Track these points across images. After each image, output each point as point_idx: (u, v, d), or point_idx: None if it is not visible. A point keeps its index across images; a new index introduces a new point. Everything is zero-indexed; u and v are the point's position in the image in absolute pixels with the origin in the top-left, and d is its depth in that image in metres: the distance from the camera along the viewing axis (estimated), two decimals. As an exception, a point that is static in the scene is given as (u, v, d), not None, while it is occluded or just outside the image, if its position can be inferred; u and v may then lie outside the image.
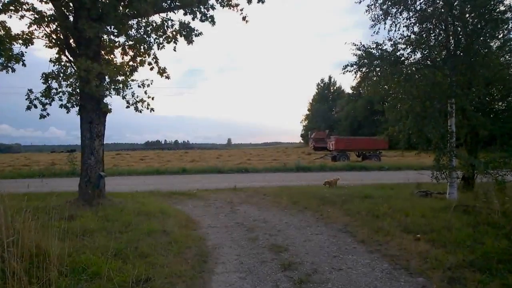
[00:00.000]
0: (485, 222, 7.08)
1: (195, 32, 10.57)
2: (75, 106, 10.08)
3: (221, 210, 10.00)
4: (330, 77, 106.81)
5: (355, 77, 10.84)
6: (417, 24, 10.42)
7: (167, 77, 11.54)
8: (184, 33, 10.52)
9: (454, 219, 7.43)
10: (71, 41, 9.78)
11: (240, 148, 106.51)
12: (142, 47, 10.59)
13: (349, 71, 10.83)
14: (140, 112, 10.69)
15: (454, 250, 5.63)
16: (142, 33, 10.41)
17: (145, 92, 10.65)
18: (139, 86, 10.67)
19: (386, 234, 6.73)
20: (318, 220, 8.44)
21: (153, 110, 10.98)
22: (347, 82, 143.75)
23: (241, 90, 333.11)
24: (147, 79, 10.68)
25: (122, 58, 10.92)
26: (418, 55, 10.50)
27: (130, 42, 10.46)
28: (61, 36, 9.92)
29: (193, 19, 10.58)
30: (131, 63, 10.93)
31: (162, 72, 11.35)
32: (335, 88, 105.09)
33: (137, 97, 10.65)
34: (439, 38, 10.34)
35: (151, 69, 11.25)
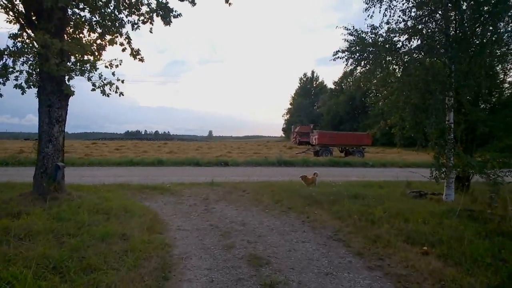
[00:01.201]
0: (498, 231, 6.17)
1: (174, 13, 9.41)
2: (33, 87, 8.81)
3: (195, 209, 8.87)
4: (313, 72, 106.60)
5: (346, 64, 9.79)
6: (414, 9, 9.48)
7: (141, 60, 10.34)
8: (161, 12, 9.35)
9: (461, 227, 6.48)
10: (32, 14, 8.51)
11: (221, 140, 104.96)
12: (111, 23, 9.34)
13: (340, 58, 9.78)
14: (108, 96, 9.49)
15: (472, 269, 4.64)
16: (112, 8, 9.16)
17: (113, 74, 9.44)
18: (106, 67, 9.40)
19: (386, 244, 5.71)
20: (304, 224, 7.37)
21: (122, 94, 9.80)
22: (330, 77, 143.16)
23: (223, 82, 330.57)
24: (115, 59, 9.43)
25: (89, 35, 9.61)
26: (415, 42, 9.54)
27: (97, 18, 9.19)
28: (21, 9, 8.63)
29: (170, -3, 9.49)
30: (99, 41, 9.64)
31: (135, 54, 10.13)
32: (317, 83, 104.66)
33: (104, 80, 9.46)
34: (439, 24, 9.38)
35: (123, 50, 10.00)
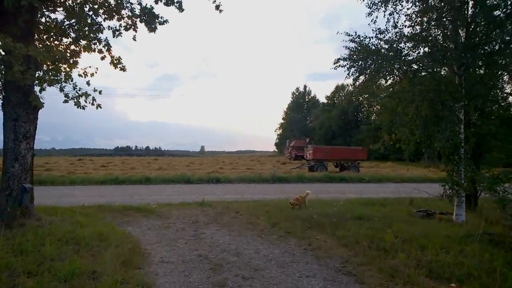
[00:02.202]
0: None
1: (160, 19, 8.66)
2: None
3: (182, 234, 7.92)
4: (305, 86, 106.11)
5: (348, 73, 8.99)
6: (421, 13, 8.77)
7: (122, 69, 9.56)
8: (145, 18, 8.58)
9: (486, 255, 5.64)
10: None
11: (213, 155, 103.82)
12: (88, 28, 8.50)
13: (342, 66, 9.00)
14: (83, 108, 8.61)
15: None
16: (87, 10, 8.33)
17: (88, 83, 8.59)
18: (79, 75, 8.56)
19: (407, 281, 4.82)
20: (307, 253, 6.45)
21: (100, 107, 8.87)
22: (322, 92, 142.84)
23: (216, 97, 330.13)
24: (89, 67, 8.59)
25: (60, 41, 8.73)
26: (421, 49, 8.80)
27: (71, 21, 8.36)
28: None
29: (156, 2, 8.78)
30: (73, 47, 8.77)
31: (116, 62, 9.35)
32: (310, 97, 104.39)
33: (79, 90, 8.59)
34: (448, 29, 8.66)
35: (102, 58, 9.20)
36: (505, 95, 9.50)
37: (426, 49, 8.68)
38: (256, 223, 8.83)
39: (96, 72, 8.79)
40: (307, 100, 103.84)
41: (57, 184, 18.47)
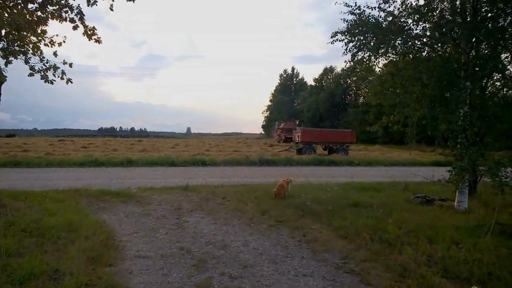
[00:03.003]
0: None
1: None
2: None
3: (163, 223, 7.19)
4: (293, 69, 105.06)
5: (346, 49, 8.24)
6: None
7: (98, 41, 8.66)
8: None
9: (504, 250, 5.06)
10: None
11: (199, 137, 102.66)
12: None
13: (340, 41, 8.23)
14: (51, 83, 7.78)
15: None
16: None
17: (55, 54, 7.70)
18: (46, 45, 7.66)
19: (420, 282, 4.18)
20: (302, 245, 5.79)
21: (71, 82, 8.03)
22: (310, 75, 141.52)
23: (202, 78, 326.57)
24: (57, 35, 7.69)
25: (25, 6, 7.76)
26: (427, 24, 8.08)
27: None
28: None
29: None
30: (39, 13, 7.82)
31: (90, 33, 8.43)
32: (298, 79, 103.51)
33: (47, 63, 7.72)
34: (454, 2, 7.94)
35: (75, 28, 8.25)
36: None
37: (427, 24, 8.00)
38: (244, 210, 8.14)
39: (64, 41, 7.90)
40: (295, 82, 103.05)
41: (33, 166, 17.45)
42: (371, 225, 6.34)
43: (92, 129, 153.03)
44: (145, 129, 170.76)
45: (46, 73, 7.72)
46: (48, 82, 7.80)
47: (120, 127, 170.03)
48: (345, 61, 8.37)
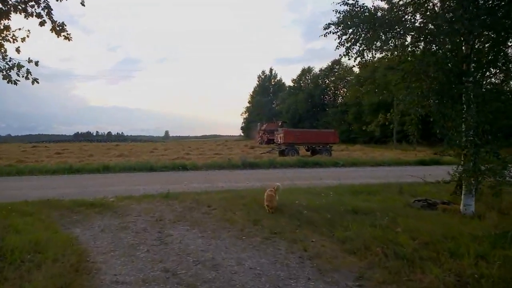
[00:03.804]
0: None
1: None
2: None
3: (143, 238, 6.34)
4: (271, 70, 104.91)
5: (340, 42, 7.60)
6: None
7: (67, 38, 7.75)
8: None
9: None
10: None
11: (178, 140, 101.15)
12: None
13: (333, 33, 7.57)
14: (15, 84, 6.91)
15: None
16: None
17: (17, 50, 6.82)
18: (7, 40, 6.78)
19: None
20: (304, 263, 5.02)
21: (37, 82, 7.15)
22: (288, 76, 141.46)
23: (179, 81, 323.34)
24: (19, 29, 6.80)
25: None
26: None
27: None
28: None
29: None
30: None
31: (59, 29, 7.54)
32: (276, 80, 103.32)
33: (9, 61, 6.85)
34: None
35: (42, 24, 7.35)
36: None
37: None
38: (233, 220, 7.36)
39: (28, 36, 7.01)
40: (273, 83, 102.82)
41: (2, 174, 16.22)
42: (379, 236, 5.64)
43: (67, 134, 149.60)
44: (122, 133, 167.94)
45: (9, 73, 6.88)
46: (11, 83, 6.94)
47: (97, 132, 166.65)
48: (340, 55, 7.68)
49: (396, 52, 7.77)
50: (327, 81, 78.67)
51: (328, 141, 29.24)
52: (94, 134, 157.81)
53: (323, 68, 78.77)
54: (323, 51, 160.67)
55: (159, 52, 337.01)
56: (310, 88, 79.32)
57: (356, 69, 66.15)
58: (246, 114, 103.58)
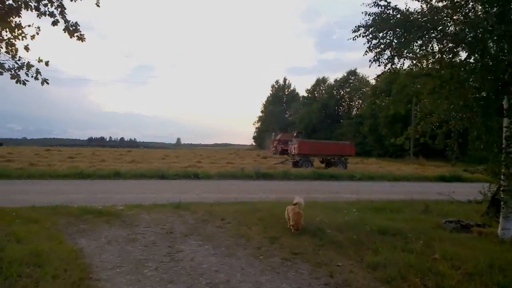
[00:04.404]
0: None
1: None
2: None
3: (152, 253, 5.83)
4: (285, 79, 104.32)
5: (369, 46, 7.05)
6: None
7: (81, 39, 7.44)
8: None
9: None
10: None
11: (189, 148, 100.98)
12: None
13: (363, 36, 7.03)
14: (24, 84, 6.57)
15: None
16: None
17: (26, 48, 6.46)
18: (16, 38, 6.41)
19: None
20: (333, 291, 4.49)
21: (47, 83, 6.80)
22: (301, 86, 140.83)
23: (193, 89, 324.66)
24: (28, 25, 6.43)
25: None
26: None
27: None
28: None
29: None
30: (10, 1, 6.57)
31: (72, 30, 7.21)
32: (289, 90, 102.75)
33: (19, 60, 6.51)
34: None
35: (54, 23, 7.00)
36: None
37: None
38: (249, 237, 6.80)
39: (38, 33, 6.65)
40: (286, 93, 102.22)
41: (13, 178, 15.98)
42: (416, 263, 5.00)
43: (81, 139, 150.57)
44: (135, 139, 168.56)
45: (18, 72, 6.54)
46: (20, 83, 6.59)
47: (110, 137, 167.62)
48: (370, 61, 7.11)
49: (431, 59, 7.19)
50: (342, 92, 77.92)
51: (344, 153, 28.53)
52: (107, 139, 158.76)
53: (338, 79, 78.24)
54: (336, 62, 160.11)
55: (173, 59, 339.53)
56: (324, 98, 78.72)
57: (372, 81, 66.49)
58: (259, 124, 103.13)
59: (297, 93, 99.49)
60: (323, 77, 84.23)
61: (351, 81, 75.51)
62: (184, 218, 8.42)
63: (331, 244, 6.21)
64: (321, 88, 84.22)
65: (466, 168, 8.96)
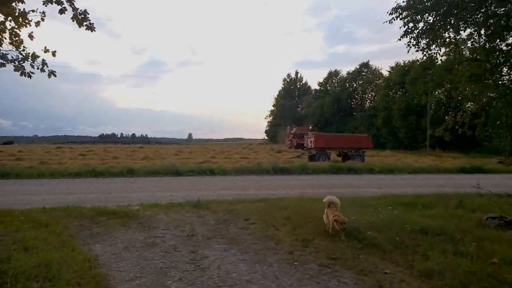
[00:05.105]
0: None
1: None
2: None
3: (174, 260, 5.31)
4: (297, 73, 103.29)
5: (407, 29, 6.40)
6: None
7: (90, 28, 6.89)
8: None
9: None
10: None
11: (201, 143, 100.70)
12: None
13: (400, 18, 6.38)
14: (29, 76, 6.06)
15: None
16: None
17: (30, 36, 5.96)
18: (18, 24, 5.90)
19: None
20: (386, 307, 3.91)
21: (55, 75, 6.30)
22: (310, 79, 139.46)
23: (203, 84, 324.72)
24: (32, 11, 5.92)
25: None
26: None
27: None
28: None
29: None
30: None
31: (81, 19, 6.67)
32: (301, 83, 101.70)
33: (23, 51, 6.00)
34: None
35: (62, 11, 6.47)
36: None
37: None
38: (278, 239, 6.24)
39: (42, 20, 6.13)
40: (298, 86, 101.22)
41: (23, 177, 15.65)
42: (474, 270, 4.38)
43: (93, 136, 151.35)
44: (146, 135, 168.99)
45: (22, 64, 6.04)
46: (25, 75, 6.10)
47: (121, 134, 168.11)
48: (407, 45, 6.46)
49: (469, 44, 6.53)
50: (355, 85, 76.74)
51: (361, 146, 27.80)
52: (119, 136, 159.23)
53: (350, 72, 77.07)
54: (347, 55, 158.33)
55: (183, 54, 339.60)
56: (336, 91, 77.60)
57: (386, 73, 65.62)
58: (271, 118, 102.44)
59: (309, 86, 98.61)
60: (335, 70, 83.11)
61: (363, 73, 74.27)
62: (204, 218, 7.90)
63: (371, 247, 5.61)
64: (333, 81, 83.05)
65: (500, 160, 8.36)
